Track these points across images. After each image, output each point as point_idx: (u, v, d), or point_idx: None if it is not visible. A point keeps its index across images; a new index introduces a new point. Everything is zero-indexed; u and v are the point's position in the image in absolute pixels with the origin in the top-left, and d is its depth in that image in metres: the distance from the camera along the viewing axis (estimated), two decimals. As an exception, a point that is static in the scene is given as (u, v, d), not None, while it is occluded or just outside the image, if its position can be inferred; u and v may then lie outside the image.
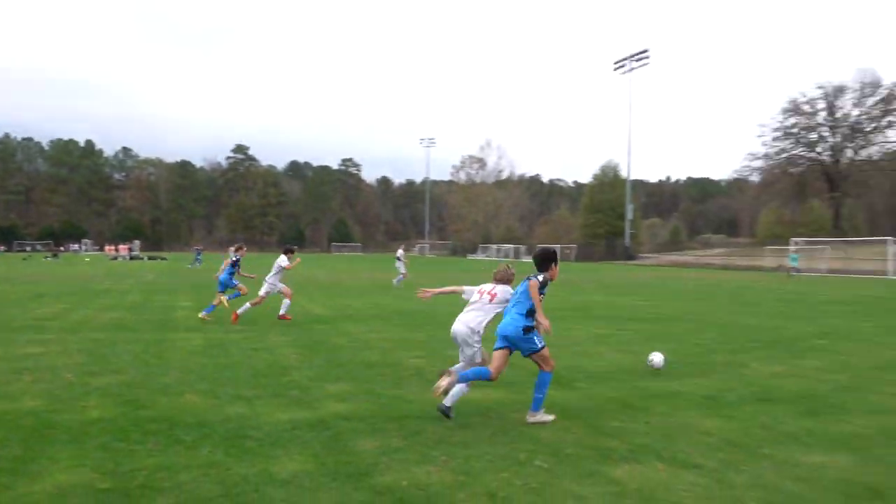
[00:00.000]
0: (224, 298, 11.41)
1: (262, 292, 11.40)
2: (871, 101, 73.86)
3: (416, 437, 4.82)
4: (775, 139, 79.30)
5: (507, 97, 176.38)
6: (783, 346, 10.01)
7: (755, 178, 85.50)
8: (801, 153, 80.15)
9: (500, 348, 5.11)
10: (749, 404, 6.21)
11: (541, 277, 5.14)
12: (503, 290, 5.41)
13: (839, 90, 75.68)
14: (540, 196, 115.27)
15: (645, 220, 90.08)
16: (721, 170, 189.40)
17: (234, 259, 11.67)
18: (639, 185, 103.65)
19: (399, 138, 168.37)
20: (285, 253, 11.52)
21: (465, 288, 5.65)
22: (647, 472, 4.32)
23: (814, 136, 78.76)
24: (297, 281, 22.63)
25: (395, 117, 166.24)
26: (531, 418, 5.22)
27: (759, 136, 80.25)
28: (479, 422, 5.25)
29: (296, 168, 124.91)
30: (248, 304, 11.23)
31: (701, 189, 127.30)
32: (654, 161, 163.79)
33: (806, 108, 77.39)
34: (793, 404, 6.19)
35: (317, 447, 4.56)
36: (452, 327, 5.39)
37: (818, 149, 79.29)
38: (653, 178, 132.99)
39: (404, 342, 9.28)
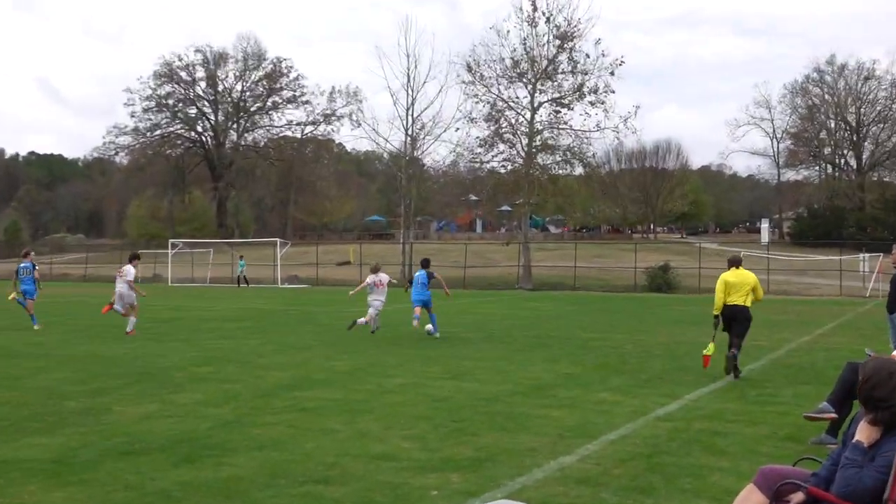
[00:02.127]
0: None
1: None
2: (255, 75, 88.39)
3: None
4: (147, 110, 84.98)
5: None
6: (157, 380, 10.82)
7: (123, 159, 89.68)
8: (180, 131, 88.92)
9: None
10: (111, 460, 6.44)
11: None
12: None
13: (221, 58, 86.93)
14: None
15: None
16: (78, 145, 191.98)
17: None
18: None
19: None
20: None
21: None
22: None
23: (193, 110, 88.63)
24: None
25: None
26: None
27: (128, 105, 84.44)
28: None
29: None
30: None
31: (49, 170, 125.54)
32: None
33: (183, 74, 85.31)
34: (166, 452, 6.73)
35: None
36: None
37: (199, 127, 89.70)
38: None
39: None
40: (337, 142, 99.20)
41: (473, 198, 65.34)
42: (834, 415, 7.18)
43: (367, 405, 9.00)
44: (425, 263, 17.68)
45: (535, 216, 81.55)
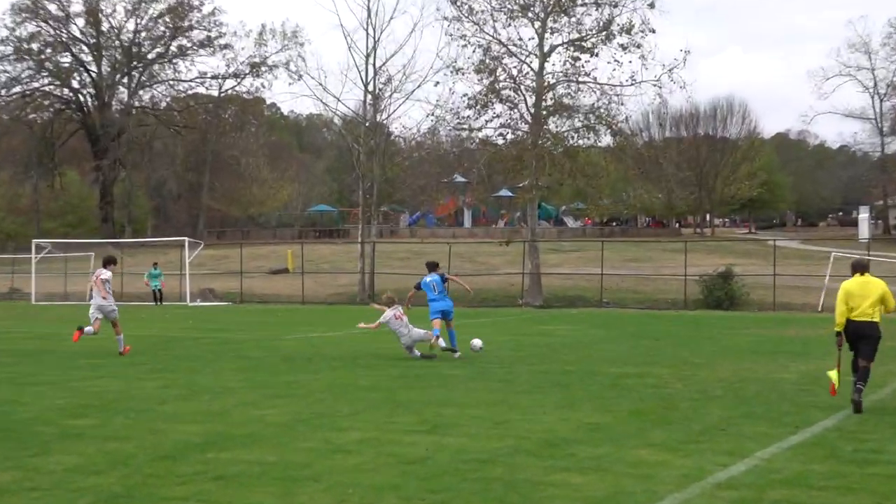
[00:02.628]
0: None
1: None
2: (154, 9, 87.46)
3: None
4: (1, 59, 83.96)
5: None
6: (13, 437, 10.74)
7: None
8: (48, 88, 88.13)
9: None
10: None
11: None
12: None
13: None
14: None
15: None
16: None
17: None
18: None
19: None
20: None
21: None
22: None
23: (67, 59, 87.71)
24: None
25: None
26: None
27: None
28: None
29: None
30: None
31: None
32: None
33: (53, 8, 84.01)
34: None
35: None
36: None
37: (76, 82, 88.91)
38: None
39: None
40: (269, 102, 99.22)
41: (460, 179, 65.43)
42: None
43: (311, 471, 8.95)
44: (433, 266, 20.45)
45: (545, 204, 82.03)
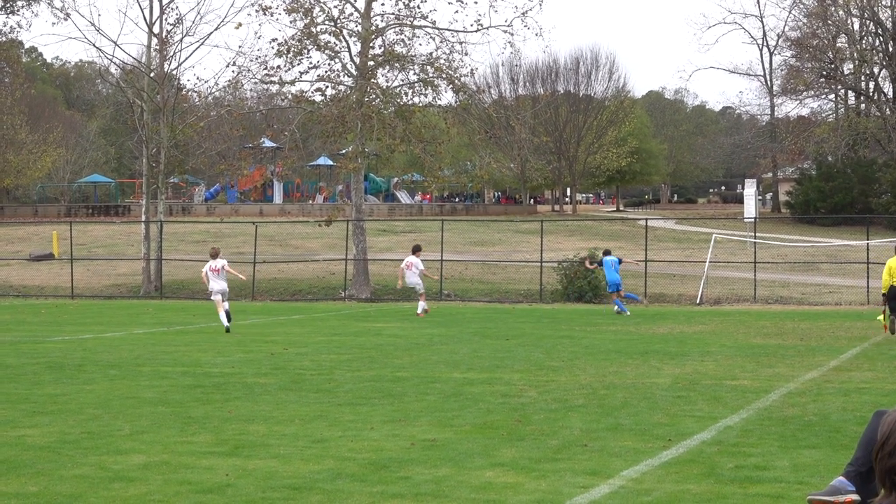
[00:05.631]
0: None
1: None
2: None
3: None
4: None
5: None
6: None
7: None
8: None
9: None
10: None
11: None
12: None
13: None
14: None
15: None
16: None
17: None
18: None
19: None
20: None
21: None
22: None
23: None
24: None
25: None
26: None
27: None
28: None
29: None
30: None
31: None
32: None
33: None
34: None
35: None
36: None
37: None
38: None
39: None
40: (27, 46, 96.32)
41: (269, 144, 65.02)
42: (853, 497, 7.60)
43: (82, 502, 8.84)
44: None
45: (374, 176, 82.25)
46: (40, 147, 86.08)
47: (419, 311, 32.38)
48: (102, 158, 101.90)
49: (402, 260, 33.89)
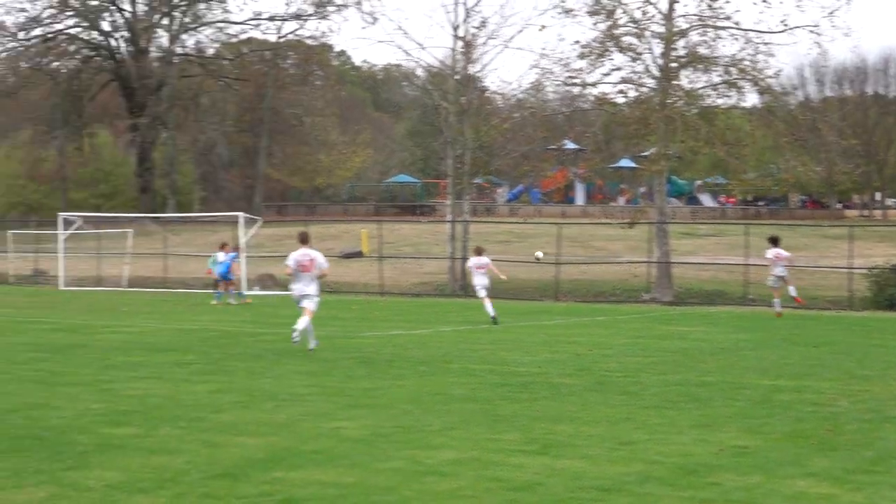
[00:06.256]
0: None
1: None
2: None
3: None
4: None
5: None
6: (47, 447, 11.00)
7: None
8: (74, 30, 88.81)
9: None
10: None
11: None
12: None
13: None
14: None
15: None
16: None
17: None
18: None
19: None
20: None
21: None
22: None
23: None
24: None
25: None
26: None
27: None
28: None
29: None
30: None
31: None
32: None
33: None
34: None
35: None
36: None
37: (107, 24, 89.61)
38: None
39: None
40: (337, 50, 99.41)
41: (571, 146, 65.25)
42: None
43: (397, 496, 9.07)
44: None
45: (676, 178, 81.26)
46: (350, 148, 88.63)
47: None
48: (409, 159, 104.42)
49: (707, 263, 33.31)
